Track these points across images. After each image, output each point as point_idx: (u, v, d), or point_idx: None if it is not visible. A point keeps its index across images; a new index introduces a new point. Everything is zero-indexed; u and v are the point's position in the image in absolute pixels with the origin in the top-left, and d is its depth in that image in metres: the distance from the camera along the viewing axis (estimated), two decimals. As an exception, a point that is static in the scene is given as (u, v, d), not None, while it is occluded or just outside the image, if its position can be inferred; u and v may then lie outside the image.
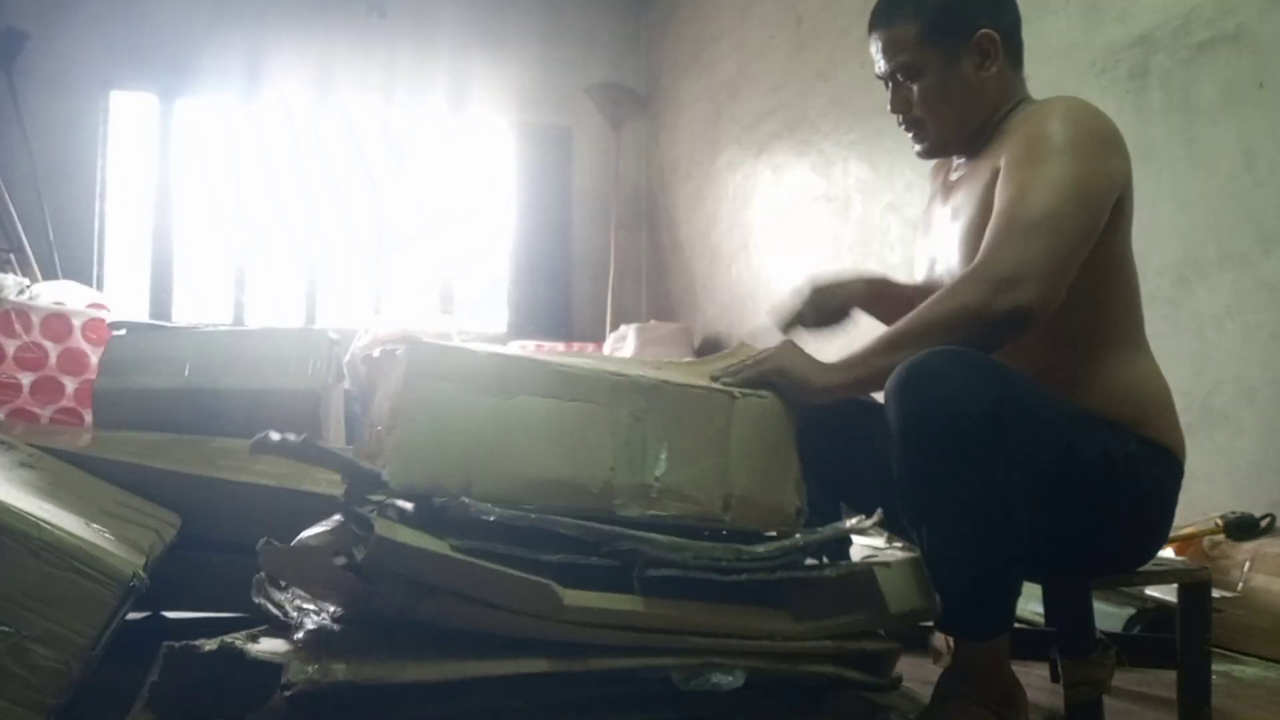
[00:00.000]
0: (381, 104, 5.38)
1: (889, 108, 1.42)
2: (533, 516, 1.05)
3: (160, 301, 5.02)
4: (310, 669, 0.99)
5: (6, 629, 1.18)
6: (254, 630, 1.20)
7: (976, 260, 1.19)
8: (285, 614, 1.20)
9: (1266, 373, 2.18)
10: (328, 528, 1.25)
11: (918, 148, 1.43)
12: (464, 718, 1.05)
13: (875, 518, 1.20)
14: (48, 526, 1.24)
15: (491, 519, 1.03)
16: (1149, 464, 1.28)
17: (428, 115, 5.48)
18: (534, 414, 1.11)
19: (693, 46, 5.20)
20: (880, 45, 1.38)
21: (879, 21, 1.39)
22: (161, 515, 1.69)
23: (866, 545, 2.45)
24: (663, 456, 1.15)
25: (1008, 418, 1.09)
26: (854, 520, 1.23)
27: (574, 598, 1.05)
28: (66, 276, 4.25)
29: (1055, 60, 2.71)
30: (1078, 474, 1.20)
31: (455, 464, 1.07)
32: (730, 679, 1.11)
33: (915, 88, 1.36)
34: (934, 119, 1.37)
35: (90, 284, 4.41)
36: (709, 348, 4.89)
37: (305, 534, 1.27)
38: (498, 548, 1.03)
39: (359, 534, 1.04)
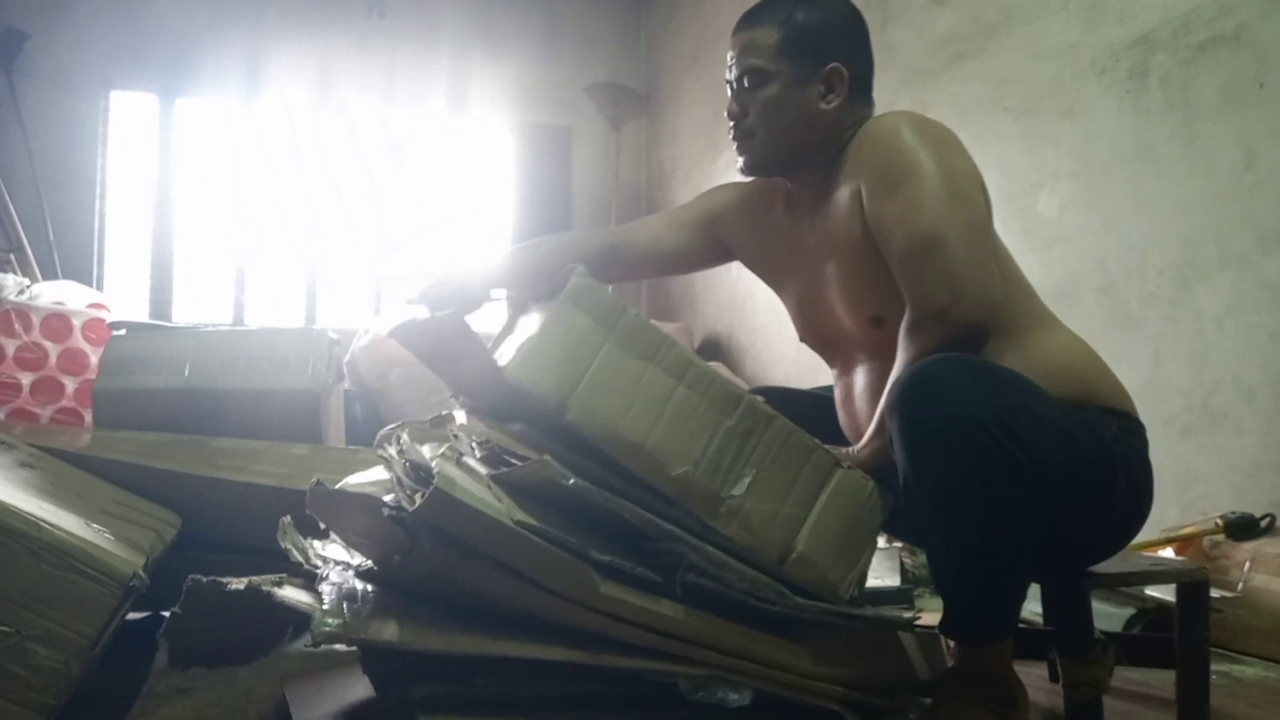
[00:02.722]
0: (381, 104, 5.37)
1: (725, 112, 1.43)
2: (604, 495, 1.07)
3: (160, 301, 5.02)
4: (333, 622, 1.00)
5: (6, 629, 1.18)
6: (278, 575, 1.21)
7: (910, 303, 1.22)
8: (308, 561, 1.21)
9: (1266, 373, 2.18)
10: (370, 479, 1.26)
11: (740, 160, 1.44)
12: (470, 700, 1.05)
13: (912, 614, 1.23)
14: (48, 526, 1.25)
15: (569, 483, 1.05)
16: (1128, 436, 1.29)
17: (428, 115, 5.48)
18: (650, 381, 1.15)
19: (693, 46, 5.20)
20: (739, 47, 1.40)
21: (742, 25, 1.41)
22: (161, 515, 1.70)
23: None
24: (746, 480, 1.16)
25: (1018, 425, 1.09)
26: (873, 568, 1.24)
27: (609, 588, 1.06)
28: (66, 276, 4.25)
29: (1055, 60, 2.71)
30: (1082, 469, 1.20)
31: (563, 382, 1.11)
32: (737, 696, 1.11)
33: (757, 97, 1.38)
34: (765, 132, 1.39)
35: (90, 284, 4.41)
36: (709, 348, 4.89)
37: (349, 479, 1.28)
38: (551, 531, 1.04)
39: (412, 485, 1.05)
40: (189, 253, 5.15)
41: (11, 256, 4.17)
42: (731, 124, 1.42)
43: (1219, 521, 2.10)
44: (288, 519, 1.29)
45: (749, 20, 1.40)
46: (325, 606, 1.08)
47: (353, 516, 1.17)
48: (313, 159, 5.32)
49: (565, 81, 5.55)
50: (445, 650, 1.02)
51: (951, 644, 1.26)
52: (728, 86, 1.43)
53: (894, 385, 1.15)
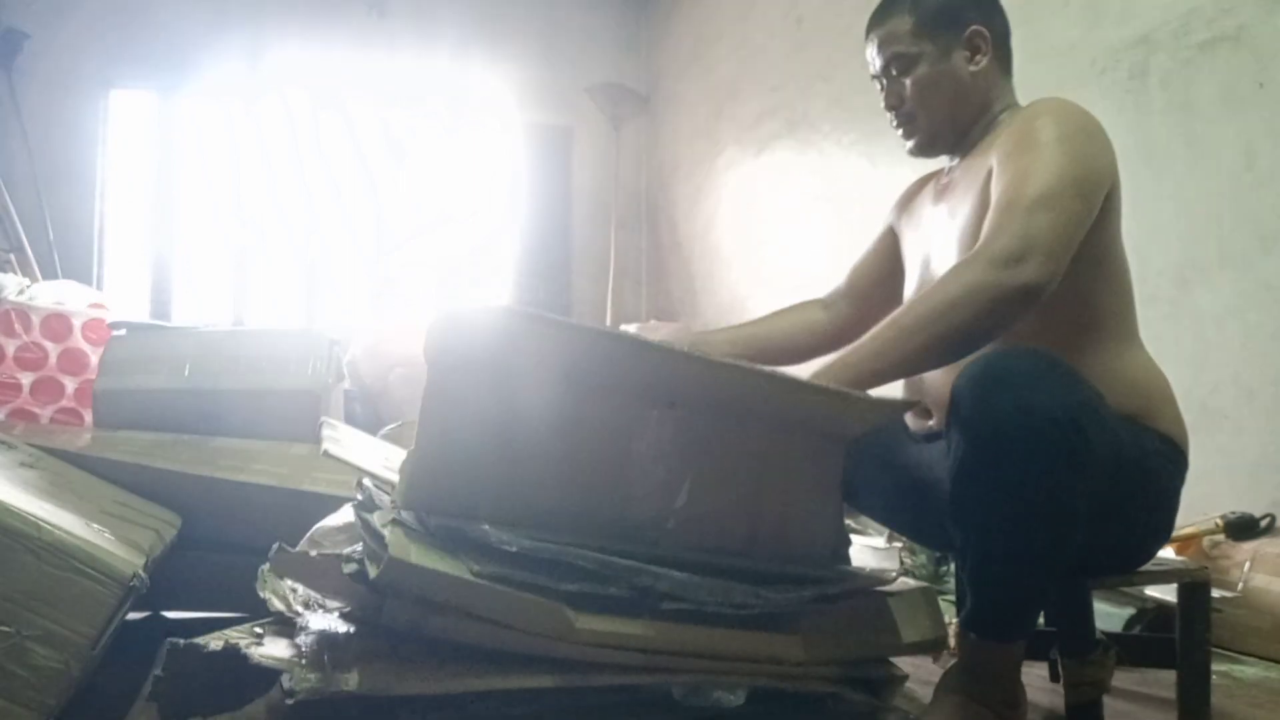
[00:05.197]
0: (381, 104, 5.37)
1: (883, 105, 1.46)
2: (553, 548, 1.03)
3: (160, 301, 5.02)
4: (313, 677, 0.98)
5: (6, 629, 1.18)
6: (258, 624, 1.20)
7: (979, 243, 1.20)
8: (290, 608, 1.20)
9: (1266, 373, 2.18)
10: (342, 521, 1.25)
11: (909, 144, 1.46)
12: None
13: (896, 574, 1.21)
14: (48, 526, 1.25)
15: (513, 550, 1.01)
16: (1167, 461, 1.29)
17: (428, 115, 5.48)
18: (550, 440, 1.09)
19: (693, 46, 5.20)
20: (877, 42, 1.43)
21: (875, 21, 1.45)
22: (161, 515, 1.70)
23: (866, 545, 2.45)
24: (684, 487, 1.12)
25: (1087, 422, 1.08)
26: (874, 566, 1.23)
27: (585, 621, 1.04)
28: (66, 276, 4.25)
29: (1055, 60, 2.71)
30: (1123, 477, 1.19)
31: (463, 489, 1.05)
32: (733, 697, 1.10)
33: (908, 81, 1.41)
34: (925, 111, 1.41)
35: (90, 284, 4.40)
36: (709, 348, 4.89)
37: (323, 523, 1.27)
38: (516, 574, 1.01)
39: (373, 548, 1.03)
40: (189, 253, 5.15)
41: (11, 256, 4.16)
42: (891, 114, 1.45)
43: (1219, 521, 2.10)
44: (266, 567, 1.27)
45: (880, 15, 1.44)
46: (303, 660, 1.06)
47: (320, 575, 1.15)
48: (313, 159, 5.32)
49: (565, 81, 5.55)
50: (430, 692, 1.00)
51: (953, 642, 1.26)
52: (876, 83, 1.46)
53: (964, 374, 1.13)
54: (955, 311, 1.16)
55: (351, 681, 0.98)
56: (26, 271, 4.11)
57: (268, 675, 1.12)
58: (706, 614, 1.09)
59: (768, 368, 1.15)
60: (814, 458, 1.19)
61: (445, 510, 1.05)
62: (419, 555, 0.98)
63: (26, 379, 3.11)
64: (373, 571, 0.98)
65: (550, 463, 1.09)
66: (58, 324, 3.20)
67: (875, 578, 1.23)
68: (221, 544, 1.75)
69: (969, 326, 1.16)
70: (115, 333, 2.35)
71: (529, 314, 1.05)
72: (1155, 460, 1.26)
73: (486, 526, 1.02)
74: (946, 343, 1.17)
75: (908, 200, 1.58)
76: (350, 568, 1.02)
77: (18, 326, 3.14)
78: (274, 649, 1.12)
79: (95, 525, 1.38)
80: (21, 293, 3.39)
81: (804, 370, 1.22)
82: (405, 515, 1.07)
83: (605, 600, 1.05)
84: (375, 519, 1.07)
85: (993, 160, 1.30)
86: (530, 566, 1.03)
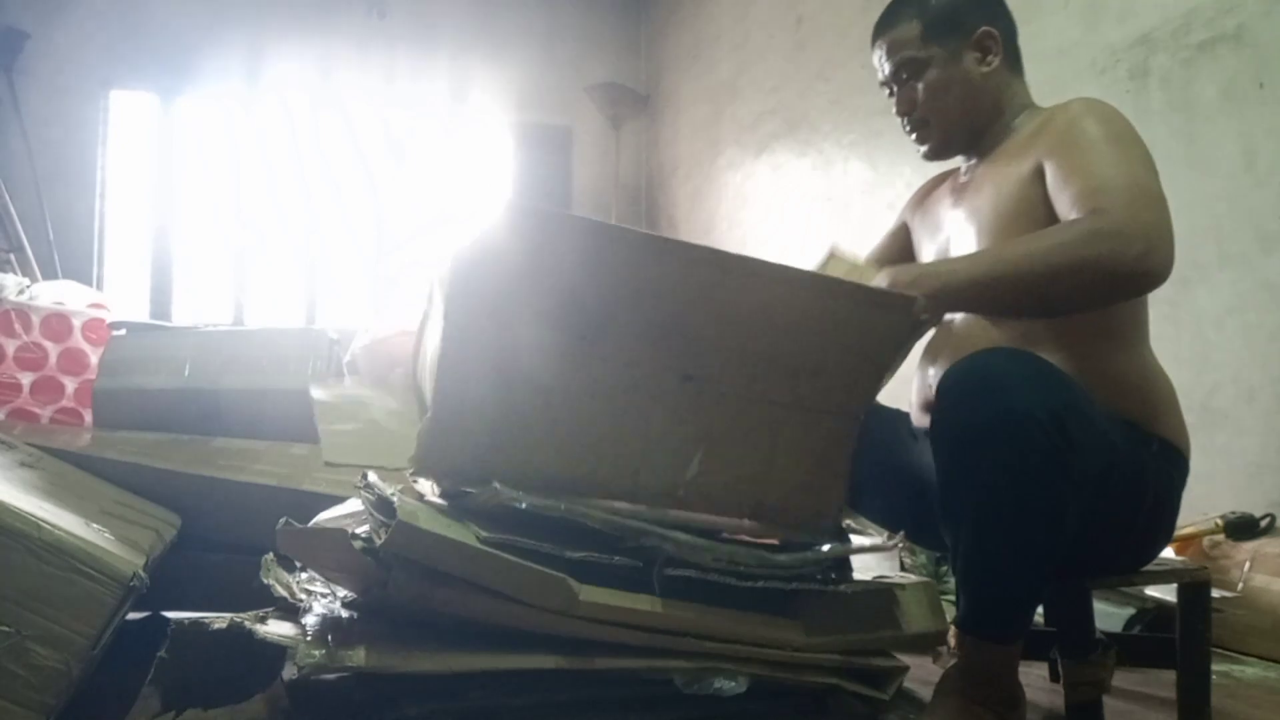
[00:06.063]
0: (381, 104, 5.37)
1: (894, 110, 1.45)
2: (562, 508, 1.05)
3: (160, 301, 5.01)
4: (318, 654, 0.99)
5: (6, 629, 1.18)
6: (262, 611, 1.20)
7: (1092, 217, 1.17)
8: (293, 595, 1.21)
9: (1266, 373, 2.18)
10: (344, 512, 1.25)
11: (923, 149, 1.46)
12: (465, 714, 1.04)
13: (897, 539, 1.21)
14: (48, 526, 1.25)
15: (523, 507, 1.03)
16: (1165, 464, 1.28)
17: (428, 115, 5.48)
18: (565, 408, 1.10)
19: (693, 46, 5.20)
20: (885, 49, 1.43)
21: (882, 27, 1.44)
22: (161, 515, 1.70)
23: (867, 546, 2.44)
24: (696, 458, 1.14)
25: (1071, 424, 1.08)
26: (873, 538, 1.23)
27: (589, 594, 1.05)
28: (66, 276, 4.25)
29: (1055, 60, 2.71)
30: (1115, 480, 1.19)
31: (478, 454, 1.07)
32: (733, 684, 1.10)
33: (919, 85, 1.40)
34: (938, 115, 1.41)
35: (90, 284, 4.41)
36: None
37: (322, 516, 1.27)
38: (522, 541, 1.02)
39: (380, 518, 1.04)
40: (189, 253, 5.15)
41: (11, 256, 4.16)
42: (903, 119, 1.44)
43: (1219, 521, 2.10)
44: (270, 555, 1.27)
45: (886, 22, 1.43)
46: (308, 638, 1.06)
47: (326, 552, 1.15)
48: (313, 159, 5.32)
49: (565, 81, 5.55)
50: (434, 670, 1.01)
51: (953, 642, 1.26)
52: (885, 89, 1.46)
53: (947, 375, 1.13)
54: (1068, 278, 1.15)
55: (358, 658, 0.99)
56: (26, 271, 4.11)
57: (269, 666, 1.12)
58: (710, 586, 1.09)
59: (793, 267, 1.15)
60: (826, 434, 1.20)
61: (459, 474, 1.06)
62: (427, 520, 0.99)
63: (26, 379, 3.11)
64: (381, 537, 0.99)
65: (568, 428, 1.10)
66: (58, 324, 3.20)
67: (876, 545, 1.23)
68: (221, 544, 1.75)
69: (1070, 294, 1.17)
70: (115, 333, 2.35)
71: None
72: (1154, 464, 1.26)
73: (497, 485, 1.03)
74: (1036, 299, 1.18)
75: (923, 197, 1.59)
76: (359, 543, 1.02)
77: (18, 326, 3.14)
78: (278, 629, 1.13)
79: (95, 525, 1.38)
80: (21, 293, 3.39)
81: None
82: (415, 486, 1.08)
83: (610, 571, 1.06)
84: (384, 488, 1.08)
85: (1033, 160, 1.29)
86: (537, 531, 1.04)
